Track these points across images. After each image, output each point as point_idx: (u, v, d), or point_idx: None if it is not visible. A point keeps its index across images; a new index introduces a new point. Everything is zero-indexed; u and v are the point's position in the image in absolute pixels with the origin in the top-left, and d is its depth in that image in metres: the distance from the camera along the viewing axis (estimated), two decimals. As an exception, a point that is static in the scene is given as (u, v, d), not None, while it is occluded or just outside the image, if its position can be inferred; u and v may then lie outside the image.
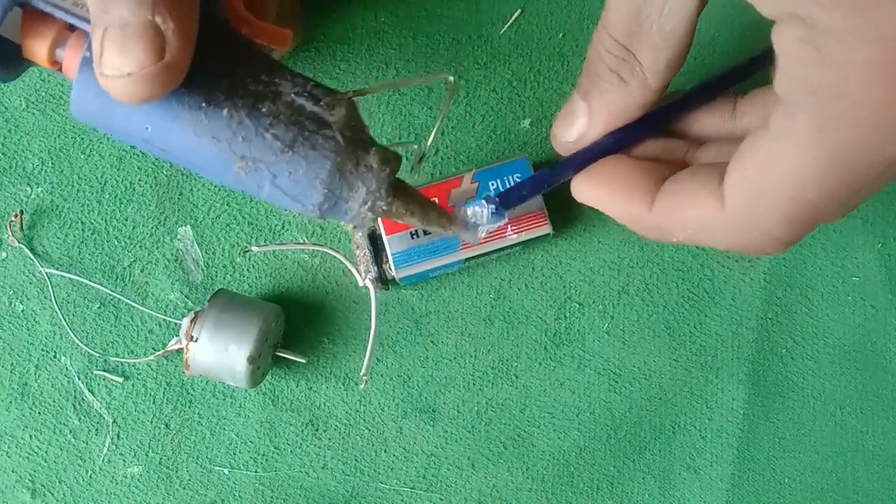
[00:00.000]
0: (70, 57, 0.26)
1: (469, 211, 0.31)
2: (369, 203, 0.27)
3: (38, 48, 0.26)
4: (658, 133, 0.32)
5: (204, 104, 0.25)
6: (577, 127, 0.31)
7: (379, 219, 0.40)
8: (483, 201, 0.31)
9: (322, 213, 0.27)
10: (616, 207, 0.31)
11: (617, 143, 0.31)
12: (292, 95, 0.26)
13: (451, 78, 0.31)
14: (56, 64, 0.26)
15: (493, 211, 0.31)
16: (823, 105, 0.23)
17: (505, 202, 0.31)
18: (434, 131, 0.33)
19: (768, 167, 0.25)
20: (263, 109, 0.25)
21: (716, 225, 0.28)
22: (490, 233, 0.32)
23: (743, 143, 0.26)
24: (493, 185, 0.40)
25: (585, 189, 0.31)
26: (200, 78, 0.25)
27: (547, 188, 0.32)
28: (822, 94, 0.23)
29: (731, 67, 0.32)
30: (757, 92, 0.31)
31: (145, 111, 0.25)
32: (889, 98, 0.23)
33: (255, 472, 0.43)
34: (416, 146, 0.42)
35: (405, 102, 0.44)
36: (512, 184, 0.41)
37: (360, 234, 0.41)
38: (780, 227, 0.26)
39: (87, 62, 0.25)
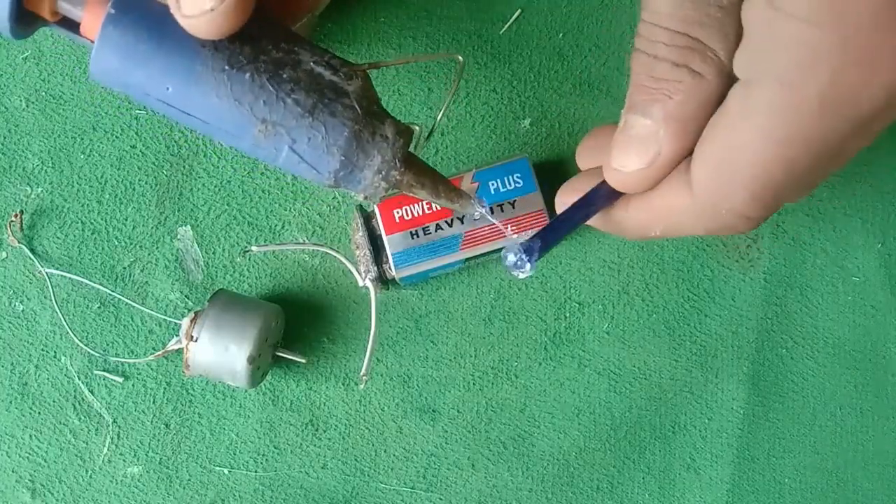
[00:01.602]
0: (91, 15, 0.26)
1: (510, 257, 0.30)
2: (383, 172, 0.27)
3: None
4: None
5: (227, 67, 0.25)
6: (648, 148, 0.26)
7: (379, 218, 0.40)
8: (521, 253, 0.29)
9: (336, 180, 0.27)
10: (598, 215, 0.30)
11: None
12: (311, 64, 0.27)
13: (461, 58, 0.31)
14: (56, 15, 0.26)
15: (529, 258, 0.29)
16: (779, 84, 0.23)
17: (544, 245, 0.30)
18: (443, 109, 0.33)
19: (730, 149, 0.25)
20: (284, 75, 0.26)
21: (687, 212, 0.27)
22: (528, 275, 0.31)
23: (706, 128, 0.26)
24: (493, 184, 0.40)
25: (565, 203, 0.31)
26: (225, 41, 0.25)
27: (578, 225, 0.32)
28: (777, 76, 0.23)
29: None
30: None
31: (168, 71, 0.25)
32: (838, 78, 0.23)
33: (255, 472, 0.43)
34: (417, 126, 0.42)
35: (405, 102, 0.44)
36: (512, 184, 0.41)
37: (360, 233, 0.41)
38: (747, 206, 0.26)
39: (111, 19, 0.25)
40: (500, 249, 0.41)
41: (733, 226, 0.27)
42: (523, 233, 0.40)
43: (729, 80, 0.26)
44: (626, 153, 0.27)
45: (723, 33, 0.25)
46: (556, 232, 0.31)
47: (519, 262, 0.29)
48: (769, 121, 0.24)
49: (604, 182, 0.29)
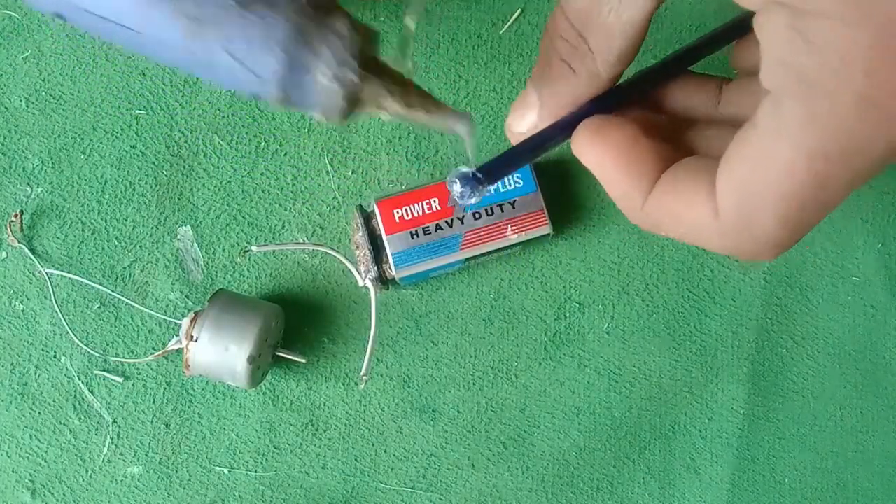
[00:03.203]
0: None
1: (455, 188, 0.28)
2: (338, 74, 0.24)
3: None
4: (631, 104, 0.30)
5: None
6: (528, 119, 0.30)
7: (379, 218, 0.40)
8: (457, 180, 0.28)
9: (283, 89, 0.24)
10: (615, 180, 0.28)
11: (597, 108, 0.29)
12: None
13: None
14: None
15: (472, 187, 0.28)
16: (811, 94, 0.22)
17: (488, 175, 0.28)
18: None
19: (758, 166, 0.24)
20: None
21: (708, 230, 0.26)
22: (472, 204, 0.30)
23: (732, 143, 0.25)
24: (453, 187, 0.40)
25: (591, 149, 0.29)
26: None
27: (532, 158, 0.30)
28: (809, 83, 0.22)
29: (702, 37, 0.31)
30: (742, 80, 0.30)
31: None
32: (876, 82, 0.22)
33: (255, 472, 0.43)
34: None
35: (405, 102, 0.44)
36: (512, 184, 0.41)
37: (360, 233, 0.41)
38: (774, 231, 0.25)
39: None
40: (500, 250, 0.41)
41: (756, 252, 0.26)
42: (524, 233, 0.40)
43: (599, 85, 0.28)
44: (516, 115, 0.30)
45: (608, 43, 0.27)
46: (502, 165, 0.29)
47: (462, 193, 0.28)
48: (803, 133, 0.23)
49: (561, 119, 0.29)
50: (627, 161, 0.28)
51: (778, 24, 0.22)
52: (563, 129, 0.29)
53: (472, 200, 0.28)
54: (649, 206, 0.28)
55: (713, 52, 0.31)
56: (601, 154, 0.28)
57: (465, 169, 0.27)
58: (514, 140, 0.30)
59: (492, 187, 0.30)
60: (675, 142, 0.30)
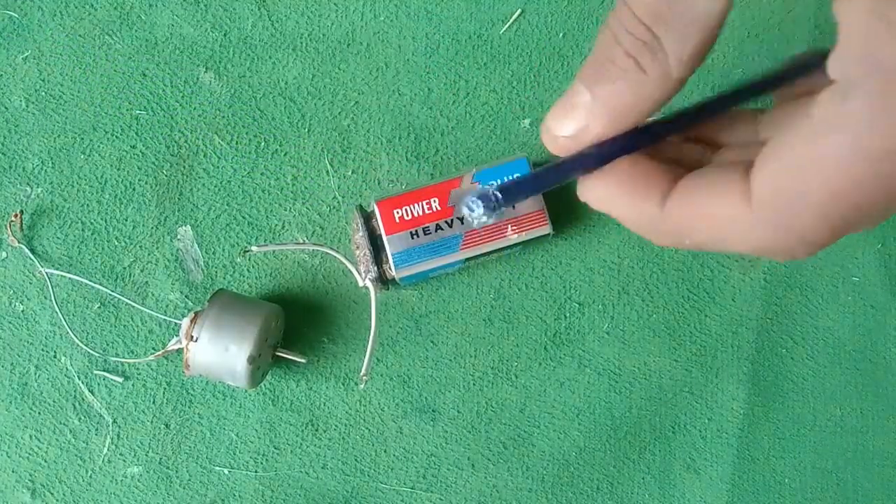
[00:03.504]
0: None
1: (465, 210, 0.27)
2: None
3: None
4: (663, 140, 0.28)
5: None
6: (576, 121, 0.26)
7: (379, 218, 0.40)
8: (478, 199, 0.27)
9: None
10: (624, 206, 0.27)
11: (630, 145, 0.27)
12: None
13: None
14: None
15: (490, 209, 0.27)
16: (887, 86, 0.20)
17: (506, 197, 0.27)
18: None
19: (810, 159, 0.22)
20: None
21: (738, 225, 0.24)
22: (485, 224, 0.28)
23: (776, 136, 0.23)
24: (492, 184, 0.40)
25: (592, 187, 0.28)
26: None
27: (549, 187, 0.29)
28: (886, 74, 0.20)
29: (752, 79, 0.29)
30: (783, 106, 0.28)
31: None
32: None
33: (255, 472, 0.43)
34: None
35: (405, 102, 0.44)
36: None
37: (360, 233, 0.41)
38: (814, 229, 0.23)
39: None
40: (500, 250, 0.41)
41: (788, 250, 0.24)
42: (524, 233, 0.40)
43: (670, 87, 0.25)
44: (560, 115, 0.27)
45: (683, 40, 0.24)
46: (520, 188, 0.28)
47: (475, 212, 0.26)
48: (870, 129, 0.21)
49: (593, 146, 0.27)
50: (632, 186, 0.27)
51: (860, 10, 0.21)
52: (602, 157, 0.27)
53: (488, 221, 0.26)
54: (669, 214, 0.26)
55: (767, 92, 0.29)
56: (601, 189, 0.27)
57: (484, 188, 0.26)
58: (552, 145, 0.28)
59: (503, 210, 0.28)
60: (691, 159, 0.29)
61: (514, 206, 0.27)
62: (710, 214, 0.25)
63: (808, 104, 0.22)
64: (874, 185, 0.22)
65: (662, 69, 0.25)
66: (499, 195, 0.26)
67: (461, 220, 0.40)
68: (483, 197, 0.26)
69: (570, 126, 0.26)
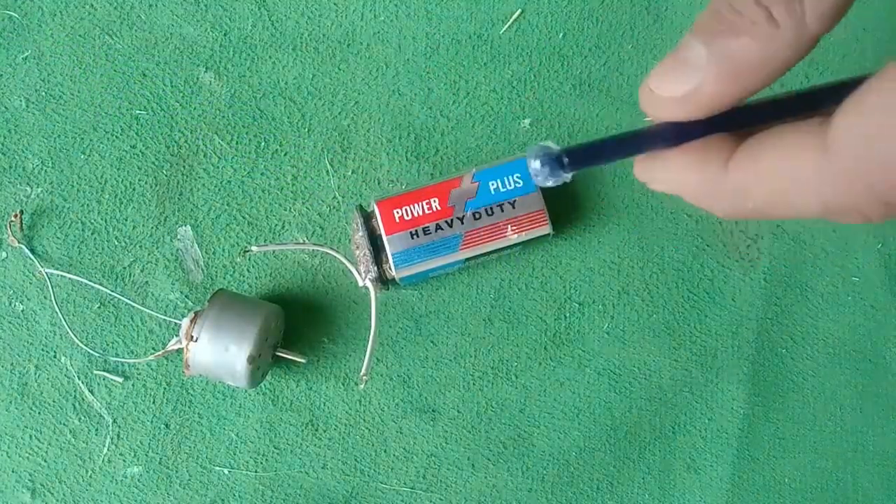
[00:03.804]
0: None
1: (533, 164, 0.24)
2: None
3: None
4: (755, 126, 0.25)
5: None
6: (690, 78, 0.22)
7: (379, 218, 0.40)
8: (538, 161, 0.23)
9: None
10: (687, 170, 0.24)
11: (729, 123, 0.24)
12: None
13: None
14: None
15: (549, 169, 0.23)
16: None
17: (572, 161, 0.24)
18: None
19: None
20: None
21: (810, 179, 0.21)
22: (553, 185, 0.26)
23: (864, 84, 0.20)
24: (492, 184, 0.40)
25: (659, 162, 0.25)
26: None
27: (622, 157, 0.25)
28: None
29: (838, 81, 0.25)
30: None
31: None
32: None
33: (255, 472, 0.43)
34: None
35: (405, 102, 0.44)
36: (512, 184, 0.41)
37: (360, 233, 0.41)
38: (895, 188, 0.20)
39: None
40: (500, 250, 0.41)
41: (864, 209, 0.21)
42: (524, 233, 0.40)
43: (804, 44, 0.22)
44: (666, 74, 0.23)
45: None
46: (589, 154, 0.24)
47: (538, 171, 0.23)
48: None
49: (670, 124, 0.24)
50: (694, 148, 0.24)
51: None
52: (692, 132, 0.24)
53: (549, 183, 0.24)
54: (733, 172, 0.23)
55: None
56: (663, 155, 0.24)
57: (551, 147, 0.23)
58: (651, 107, 0.24)
59: (570, 175, 0.25)
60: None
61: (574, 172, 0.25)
62: (777, 167, 0.22)
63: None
64: None
65: (797, 23, 0.21)
66: (565, 160, 0.23)
67: (461, 219, 0.40)
68: (546, 159, 0.23)
69: (679, 86, 0.23)
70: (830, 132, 0.21)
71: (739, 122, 0.24)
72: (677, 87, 0.23)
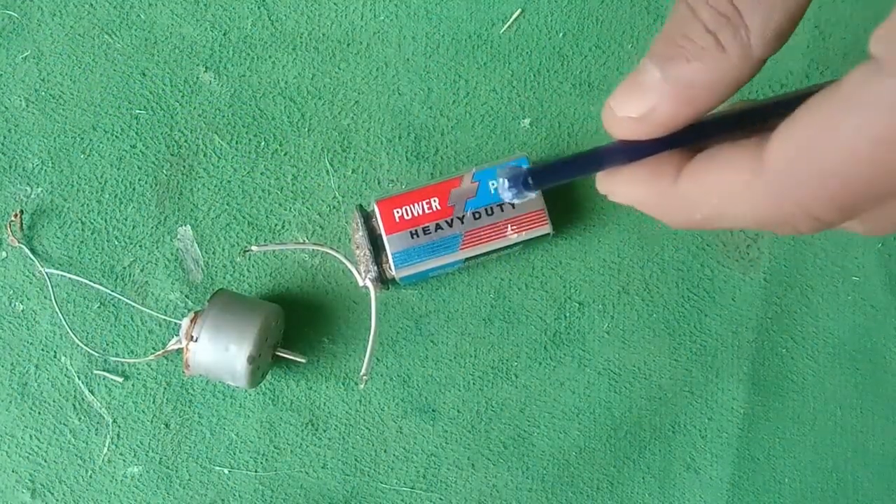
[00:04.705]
0: None
1: (499, 188, 0.26)
2: None
3: None
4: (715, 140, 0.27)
5: None
6: (646, 100, 0.24)
7: (379, 218, 0.40)
8: (505, 181, 0.26)
9: None
10: (641, 184, 0.26)
11: (683, 139, 0.25)
12: None
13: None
14: None
15: (515, 189, 0.26)
16: None
17: (536, 180, 0.26)
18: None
19: (829, 130, 0.21)
20: None
21: (746, 194, 0.23)
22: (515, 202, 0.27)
23: (799, 108, 0.22)
24: (493, 184, 0.40)
25: (617, 176, 0.27)
26: None
27: (584, 174, 0.27)
28: None
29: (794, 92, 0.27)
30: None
31: None
32: None
33: (255, 472, 0.43)
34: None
35: (406, 102, 0.44)
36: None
37: (360, 233, 0.41)
38: (822, 203, 0.22)
39: None
40: (500, 250, 0.41)
41: (792, 222, 0.23)
42: (524, 232, 0.40)
43: (750, 67, 0.23)
44: (625, 96, 0.25)
45: (767, 16, 0.23)
46: (552, 173, 0.26)
47: (507, 190, 0.26)
48: (881, 116, 0.20)
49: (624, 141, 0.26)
50: (647, 164, 0.26)
51: None
52: (647, 149, 0.25)
53: (516, 200, 0.26)
54: (681, 187, 0.25)
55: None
56: (617, 172, 0.26)
57: (517, 168, 0.25)
58: (615, 127, 0.26)
59: (534, 193, 0.27)
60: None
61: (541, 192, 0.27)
62: (719, 182, 0.24)
63: (837, 83, 0.21)
64: (883, 167, 0.20)
65: (743, 48, 0.23)
66: (530, 181, 0.25)
67: (461, 219, 0.40)
68: (513, 179, 0.25)
69: (636, 107, 0.25)
70: (765, 150, 0.22)
71: (690, 139, 0.25)
72: (634, 107, 0.24)
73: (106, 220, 0.43)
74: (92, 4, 0.44)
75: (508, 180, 0.25)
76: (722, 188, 0.24)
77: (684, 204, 0.25)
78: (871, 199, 0.22)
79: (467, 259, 0.41)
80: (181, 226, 0.43)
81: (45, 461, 0.42)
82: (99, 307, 0.43)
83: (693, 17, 0.23)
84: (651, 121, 0.24)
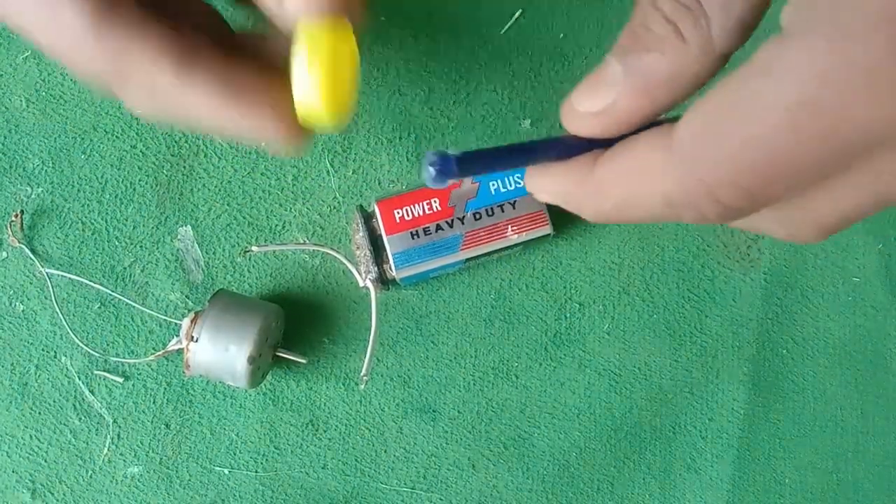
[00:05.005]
0: None
1: (424, 168, 0.25)
2: None
3: None
4: None
5: None
6: (606, 94, 0.23)
7: (379, 218, 0.40)
8: (434, 161, 0.25)
9: None
10: (560, 173, 0.25)
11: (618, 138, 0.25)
12: None
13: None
14: None
15: (442, 175, 0.24)
16: (824, 39, 0.19)
17: (462, 167, 0.25)
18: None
19: (733, 104, 0.20)
20: None
21: (657, 170, 0.22)
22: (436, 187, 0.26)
23: (716, 83, 0.21)
24: (493, 185, 0.40)
25: (541, 170, 0.26)
26: None
27: (512, 167, 0.27)
28: (827, 27, 0.19)
29: None
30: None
31: None
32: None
33: (255, 472, 0.43)
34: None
35: (406, 102, 0.44)
36: (512, 184, 0.41)
37: (360, 234, 0.41)
38: (725, 184, 0.21)
39: None
40: (500, 250, 0.41)
41: (696, 205, 0.22)
42: (524, 233, 0.40)
43: (710, 61, 0.23)
44: (586, 91, 0.24)
45: (726, 5, 0.22)
46: (480, 160, 0.25)
47: (430, 170, 0.24)
48: (799, 81, 0.19)
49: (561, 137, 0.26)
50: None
51: None
52: (580, 147, 0.25)
53: (439, 185, 0.25)
54: (595, 173, 0.25)
55: None
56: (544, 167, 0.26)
57: (445, 152, 0.24)
58: (572, 122, 0.25)
59: (467, 179, 0.26)
60: None
61: (472, 178, 0.26)
62: (631, 161, 0.23)
63: (749, 58, 0.21)
64: (790, 139, 0.20)
65: (704, 38, 0.22)
66: (455, 166, 0.24)
67: (462, 220, 0.40)
68: (440, 161, 0.24)
69: (596, 102, 0.24)
70: (674, 131, 0.22)
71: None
72: (595, 102, 0.24)
73: (106, 221, 0.43)
74: (92, 4, 0.43)
75: (434, 164, 0.24)
76: (633, 168, 0.23)
77: (599, 190, 0.25)
78: (780, 182, 0.21)
79: (468, 260, 0.41)
80: (181, 226, 0.43)
81: (45, 461, 0.42)
82: (99, 307, 0.43)
83: (653, 7, 0.23)
84: (611, 115, 0.24)
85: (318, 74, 0.26)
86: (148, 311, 0.43)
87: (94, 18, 0.25)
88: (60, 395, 0.42)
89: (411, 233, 0.40)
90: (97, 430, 0.43)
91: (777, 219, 0.24)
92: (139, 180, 0.43)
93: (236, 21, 0.33)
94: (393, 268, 0.40)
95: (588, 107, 0.24)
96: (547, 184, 0.26)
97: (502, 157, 0.26)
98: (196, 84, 0.26)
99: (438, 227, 0.40)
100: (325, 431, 0.43)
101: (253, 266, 0.43)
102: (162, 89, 0.26)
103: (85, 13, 0.25)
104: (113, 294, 0.42)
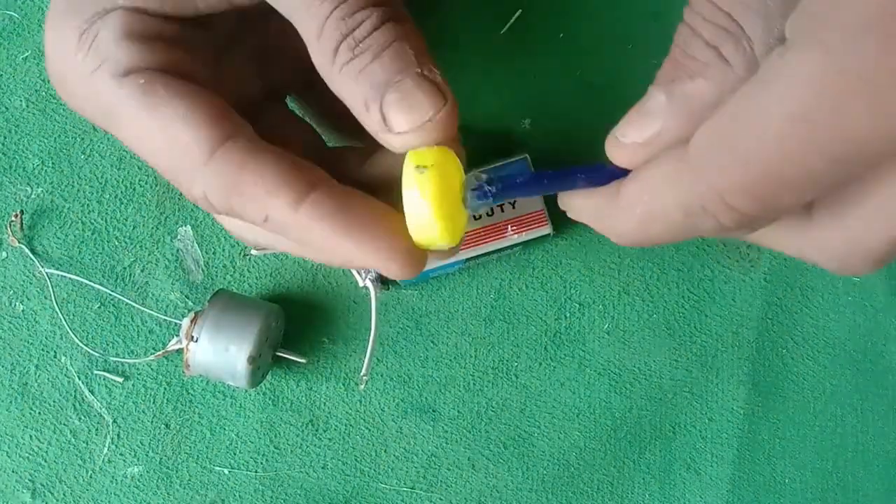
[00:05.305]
0: None
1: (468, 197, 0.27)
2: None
3: None
4: None
5: None
6: (650, 125, 0.24)
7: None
8: (472, 192, 0.26)
9: None
10: (589, 194, 0.26)
11: None
12: None
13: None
14: None
15: (479, 197, 0.26)
16: (822, 47, 0.19)
17: (503, 192, 0.26)
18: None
19: (746, 105, 0.21)
20: None
21: (675, 179, 0.23)
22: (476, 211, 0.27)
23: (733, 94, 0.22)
24: (487, 177, 0.40)
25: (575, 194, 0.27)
26: None
27: (549, 191, 0.28)
28: (824, 35, 0.19)
29: None
30: None
31: None
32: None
33: (255, 472, 0.43)
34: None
35: (405, 102, 0.44)
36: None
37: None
38: (736, 190, 0.21)
39: None
40: (500, 250, 0.41)
41: (712, 212, 0.22)
42: (524, 233, 0.40)
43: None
44: (631, 124, 0.25)
45: (768, 25, 0.22)
46: (519, 188, 0.27)
47: (472, 202, 0.26)
48: (796, 90, 0.19)
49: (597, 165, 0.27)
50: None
51: None
52: (614, 175, 0.25)
53: (477, 211, 0.27)
54: (621, 192, 0.25)
55: None
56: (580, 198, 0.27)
57: (481, 177, 0.26)
58: (616, 152, 0.25)
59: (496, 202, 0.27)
60: None
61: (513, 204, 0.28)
62: (650, 179, 0.24)
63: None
64: (791, 148, 0.20)
65: (748, 59, 0.22)
66: (492, 191, 0.26)
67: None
68: (478, 190, 0.26)
69: (641, 132, 0.24)
70: (690, 142, 0.22)
71: None
72: (640, 133, 0.24)
73: (106, 221, 0.43)
74: (92, 4, 0.43)
75: (475, 191, 0.25)
76: (653, 181, 0.24)
77: (624, 205, 0.25)
78: (789, 190, 0.21)
79: (467, 259, 0.41)
80: (181, 226, 0.43)
81: (45, 461, 0.42)
82: (99, 307, 0.43)
83: (693, 34, 0.23)
84: (658, 144, 0.24)
85: (431, 203, 0.25)
86: (148, 310, 0.43)
87: (210, 144, 0.24)
88: (60, 395, 0.42)
89: (411, 233, 0.40)
90: (97, 430, 0.43)
91: (823, 249, 0.26)
92: (139, 180, 0.43)
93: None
94: (393, 268, 0.40)
95: (634, 138, 0.24)
96: (578, 203, 0.27)
97: (540, 184, 0.27)
98: (312, 218, 0.25)
99: (438, 227, 0.40)
100: (324, 431, 0.43)
101: (253, 266, 0.43)
102: (275, 221, 0.25)
103: (201, 138, 0.24)
104: (113, 294, 0.42)
